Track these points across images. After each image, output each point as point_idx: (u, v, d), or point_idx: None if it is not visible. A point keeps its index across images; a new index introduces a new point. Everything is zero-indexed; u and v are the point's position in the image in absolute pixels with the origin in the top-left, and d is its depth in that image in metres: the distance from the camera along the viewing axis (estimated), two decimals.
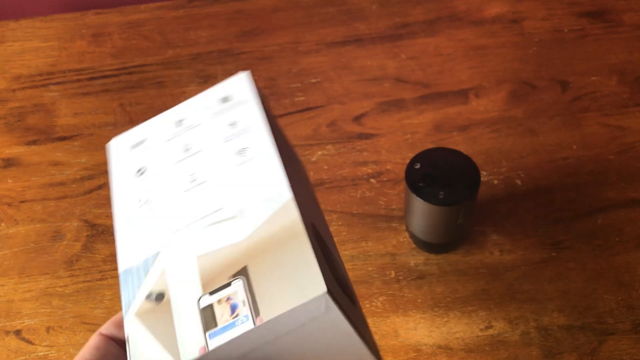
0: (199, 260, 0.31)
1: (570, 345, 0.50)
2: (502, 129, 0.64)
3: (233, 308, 0.29)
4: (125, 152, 0.38)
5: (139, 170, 0.37)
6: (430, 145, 0.64)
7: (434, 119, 0.66)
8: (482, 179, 0.60)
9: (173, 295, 0.31)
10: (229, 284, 0.30)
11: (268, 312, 0.28)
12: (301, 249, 0.30)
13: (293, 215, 0.31)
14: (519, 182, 0.60)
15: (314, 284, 0.28)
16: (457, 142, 0.63)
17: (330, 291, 0.28)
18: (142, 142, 0.38)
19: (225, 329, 0.28)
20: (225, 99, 0.39)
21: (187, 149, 0.37)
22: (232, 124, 0.37)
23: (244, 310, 0.29)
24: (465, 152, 0.62)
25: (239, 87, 0.39)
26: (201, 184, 0.35)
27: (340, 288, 0.33)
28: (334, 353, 0.33)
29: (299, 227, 0.30)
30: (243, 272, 0.30)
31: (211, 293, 0.30)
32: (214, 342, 0.28)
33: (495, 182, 0.60)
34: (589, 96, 0.66)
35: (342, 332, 0.31)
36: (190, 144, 0.37)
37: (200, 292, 0.30)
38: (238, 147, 0.36)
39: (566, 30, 0.72)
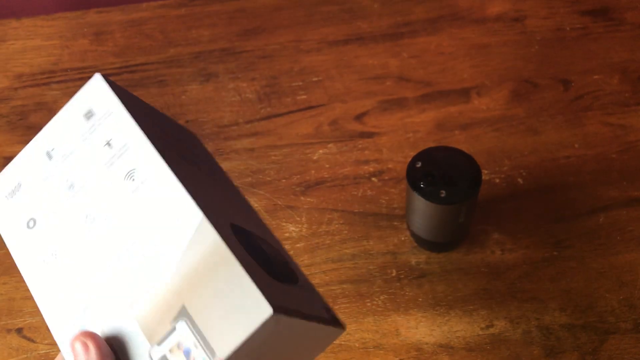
0: (133, 311, 0.29)
1: (571, 345, 0.50)
2: (503, 128, 0.64)
3: (187, 353, 0.28)
4: (4, 202, 0.35)
5: (28, 222, 0.34)
6: (432, 144, 0.64)
7: (436, 117, 0.66)
8: (483, 177, 0.60)
9: (121, 354, 0.29)
10: (173, 329, 0.28)
11: (223, 349, 0.27)
12: (233, 273, 0.28)
13: (212, 237, 0.29)
14: (520, 180, 0.60)
15: (259, 307, 0.27)
16: (459, 141, 0.63)
17: (277, 307, 0.27)
18: (18, 187, 0.35)
19: None
20: (88, 115, 0.35)
21: (70, 185, 0.33)
22: (108, 144, 0.33)
23: (199, 353, 0.27)
24: (467, 151, 0.62)
25: (98, 95, 0.35)
26: (100, 224, 0.32)
27: (279, 279, 0.31)
28: (299, 342, 0.32)
29: (223, 249, 0.28)
30: (183, 313, 0.28)
31: (159, 343, 0.28)
32: None
33: (497, 180, 0.60)
34: (591, 95, 0.66)
35: (298, 328, 0.30)
36: (72, 179, 0.33)
37: (147, 345, 0.29)
38: (124, 170, 0.32)
39: (568, 29, 0.72)
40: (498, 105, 0.66)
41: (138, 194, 0.31)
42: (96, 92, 0.35)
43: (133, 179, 0.32)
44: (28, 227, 0.34)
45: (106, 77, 0.35)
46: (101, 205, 0.32)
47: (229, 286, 0.28)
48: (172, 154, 0.33)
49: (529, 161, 0.61)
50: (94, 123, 0.34)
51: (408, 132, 0.65)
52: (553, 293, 0.53)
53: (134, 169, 0.32)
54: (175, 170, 0.31)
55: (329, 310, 0.35)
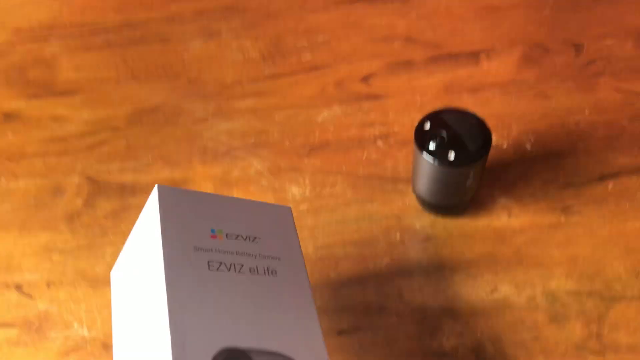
0: None
1: (576, 311, 0.49)
2: (513, 92, 0.63)
3: None
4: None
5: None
6: (439, 107, 0.62)
7: (444, 80, 0.64)
8: (492, 143, 0.59)
9: None
10: None
11: None
12: None
13: None
14: (529, 146, 0.59)
15: None
16: (467, 105, 0.62)
17: None
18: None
19: None
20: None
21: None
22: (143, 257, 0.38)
23: None
24: None
25: (151, 208, 0.38)
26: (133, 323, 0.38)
27: None
28: None
29: None
30: None
31: None
32: None
33: (505, 146, 0.59)
34: (604, 60, 0.64)
35: None
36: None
37: None
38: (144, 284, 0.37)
39: None
40: (508, 69, 0.64)
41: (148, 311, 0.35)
42: (151, 204, 0.38)
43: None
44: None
45: (169, 188, 0.39)
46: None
47: None
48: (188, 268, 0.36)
49: (538, 126, 0.60)
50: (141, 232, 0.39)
51: (415, 95, 0.63)
52: (559, 259, 0.52)
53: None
54: (174, 291, 0.34)
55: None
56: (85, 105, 0.65)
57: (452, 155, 0.47)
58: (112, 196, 0.58)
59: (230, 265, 0.37)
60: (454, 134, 0.48)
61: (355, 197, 0.57)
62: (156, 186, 0.38)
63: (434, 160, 0.47)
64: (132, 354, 0.36)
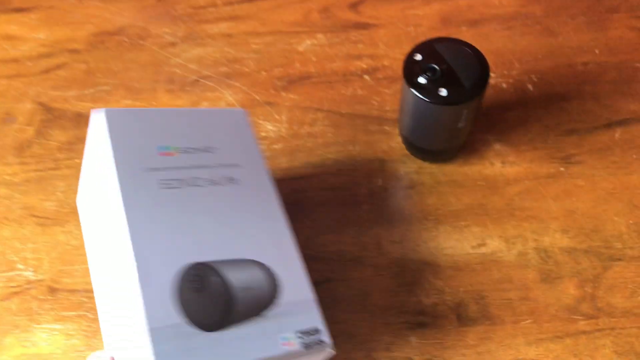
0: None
1: (571, 270, 0.45)
2: (517, 27, 0.56)
3: None
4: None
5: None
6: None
7: (442, 10, 0.58)
8: (490, 81, 0.53)
9: None
10: None
11: None
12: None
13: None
14: (530, 87, 0.53)
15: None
16: (466, 39, 0.56)
17: None
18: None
19: None
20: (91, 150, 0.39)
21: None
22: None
23: None
24: None
25: (98, 133, 0.37)
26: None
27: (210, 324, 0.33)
28: None
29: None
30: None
31: None
32: None
33: (504, 85, 0.53)
34: None
35: None
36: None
37: None
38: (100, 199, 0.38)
39: None
40: (513, 0, 0.58)
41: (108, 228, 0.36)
42: (98, 129, 0.37)
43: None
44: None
45: (117, 111, 0.38)
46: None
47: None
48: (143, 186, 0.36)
49: (542, 66, 0.54)
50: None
51: (409, 26, 0.57)
52: (556, 213, 0.47)
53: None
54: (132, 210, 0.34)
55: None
56: (42, 24, 0.58)
57: (443, 92, 0.42)
58: (68, 126, 0.53)
59: (186, 180, 0.36)
60: (447, 67, 0.42)
61: (335, 137, 0.51)
62: (104, 110, 0.37)
63: (423, 96, 0.42)
64: (106, 280, 0.37)
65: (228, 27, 0.57)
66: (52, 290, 0.45)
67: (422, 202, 0.48)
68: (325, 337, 0.34)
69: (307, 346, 0.33)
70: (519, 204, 0.48)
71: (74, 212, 0.49)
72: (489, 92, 0.53)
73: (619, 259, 0.45)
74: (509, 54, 0.55)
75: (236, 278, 0.34)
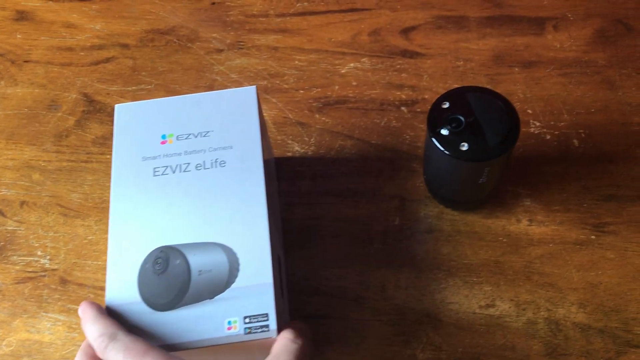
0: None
1: (581, 349, 0.42)
2: (574, 74, 0.53)
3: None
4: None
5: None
6: (483, 79, 0.53)
7: (497, 47, 0.55)
8: (533, 130, 0.51)
9: None
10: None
11: None
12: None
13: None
14: (576, 142, 0.50)
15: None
16: (517, 81, 0.53)
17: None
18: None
19: None
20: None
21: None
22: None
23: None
24: (521, 94, 0.52)
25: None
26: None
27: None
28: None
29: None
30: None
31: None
32: None
33: (549, 137, 0.50)
34: None
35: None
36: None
37: None
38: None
39: None
40: (576, 45, 0.54)
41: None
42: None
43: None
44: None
45: (126, 105, 0.42)
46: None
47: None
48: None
49: (594, 120, 0.51)
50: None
51: (459, 60, 0.55)
52: (576, 284, 0.44)
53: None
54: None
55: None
56: (100, 15, 0.60)
57: (465, 146, 0.40)
58: (105, 120, 0.54)
59: (176, 166, 0.39)
60: (474, 120, 0.40)
61: (360, 167, 0.50)
62: (115, 106, 0.42)
63: (443, 147, 0.40)
64: None
65: (275, 40, 0.57)
66: (63, 282, 0.47)
67: (436, 249, 0.47)
68: (273, 322, 0.34)
69: (249, 331, 0.33)
70: (539, 268, 0.45)
71: (96, 207, 0.50)
72: (530, 142, 0.50)
73: (637, 346, 0.42)
74: (560, 102, 0.52)
75: (196, 260, 0.35)
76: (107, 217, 0.49)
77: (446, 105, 0.41)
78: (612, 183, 0.48)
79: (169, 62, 0.57)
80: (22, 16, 0.61)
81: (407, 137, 0.51)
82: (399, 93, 0.53)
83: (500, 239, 0.47)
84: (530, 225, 0.47)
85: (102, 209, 0.50)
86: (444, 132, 0.40)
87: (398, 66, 0.55)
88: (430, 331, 0.44)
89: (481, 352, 0.43)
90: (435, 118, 0.41)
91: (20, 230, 0.50)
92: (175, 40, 0.58)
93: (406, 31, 0.57)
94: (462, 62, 0.54)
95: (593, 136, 0.50)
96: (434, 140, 0.40)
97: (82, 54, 0.58)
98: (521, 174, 0.49)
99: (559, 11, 0.56)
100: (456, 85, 0.53)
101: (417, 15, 0.57)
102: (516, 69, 0.54)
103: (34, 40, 0.59)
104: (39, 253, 0.49)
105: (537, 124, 0.51)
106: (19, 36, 0.59)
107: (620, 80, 0.52)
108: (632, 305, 0.44)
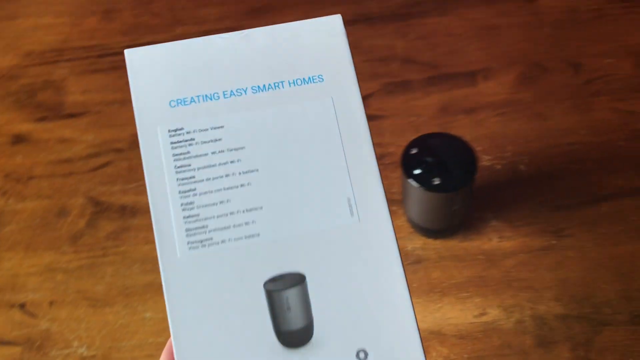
0: None
1: (564, 335, 0.50)
2: (509, 113, 0.63)
3: None
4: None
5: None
6: (435, 128, 0.63)
7: (441, 101, 0.65)
8: (485, 163, 0.60)
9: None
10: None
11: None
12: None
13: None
14: (522, 167, 0.59)
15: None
16: (463, 125, 0.62)
17: None
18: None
19: None
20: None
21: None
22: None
23: None
24: (469, 136, 0.61)
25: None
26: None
27: None
28: None
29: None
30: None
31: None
32: None
33: (499, 167, 0.59)
34: (602, 79, 0.64)
35: None
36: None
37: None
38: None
39: (583, 10, 0.70)
40: (505, 89, 0.65)
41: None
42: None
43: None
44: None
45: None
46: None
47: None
48: None
49: (533, 147, 0.60)
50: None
51: (412, 116, 0.64)
52: (549, 283, 0.52)
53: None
54: None
55: None
56: (91, 127, 0.67)
57: (437, 181, 0.48)
58: (114, 217, 0.60)
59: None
60: (440, 159, 0.49)
61: None
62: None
63: (419, 185, 0.48)
64: None
65: None
66: None
67: (428, 275, 0.54)
68: None
69: None
70: (516, 275, 0.53)
71: (121, 293, 0.55)
72: (485, 173, 0.59)
73: (609, 324, 0.50)
74: (502, 137, 0.61)
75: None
76: (132, 302, 0.55)
77: (414, 151, 0.50)
78: (559, 195, 0.57)
79: None
80: (19, 139, 0.67)
81: (383, 185, 0.59)
82: None
83: (479, 257, 0.54)
84: (500, 241, 0.55)
85: (126, 294, 0.55)
86: (417, 172, 0.49)
87: None
88: (437, 345, 0.50)
89: (483, 354, 0.49)
90: (408, 162, 0.49)
91: (53, 327, 0.54)
92: None
93: (364, 99, 0.66)
94: (414, 117, 0.64)
95: (535, 160, 0.60)
96: (410, 180, 0.48)
97: (80, 163, 0.64)
98: (484, 201, 0.57)
99: (485, 64, 0.67)
100: (414, 137, 0.62)
101: (370, 85, 0.67)
102: (460, 116, 0.63)
103: (34, 159, 0.65)
104: (75, 344, 0.53)
105: (488, 157, 0.60)
106: (19, 157, 0.65)
107: (546, 111, 0.63)
108: (597, 291, 0.52)
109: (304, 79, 0.31)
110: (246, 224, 0.29)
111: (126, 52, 0.32)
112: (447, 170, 0.48)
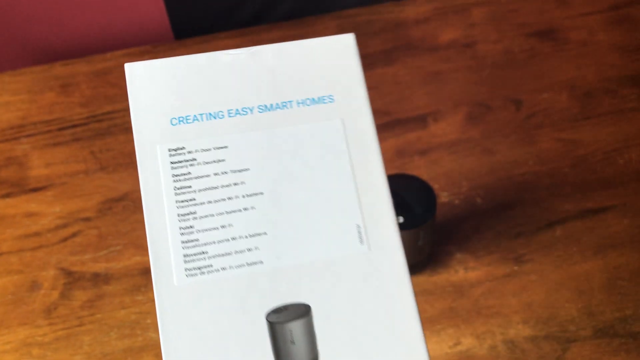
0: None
1: (535, 355, 0.52)
2: (460, 151, 0.67)
3: None
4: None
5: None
6: (393, 170, 0.66)
7: (396, 145, 0.68)
8: (443, 199, 0.63)
9: None
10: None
11: None
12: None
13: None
14: (479, 200, 0.62)
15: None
16: (419, 166, 0.66)
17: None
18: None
19: None
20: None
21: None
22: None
23: None
24: (426, 175, 0.65)
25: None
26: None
27: None
28: None
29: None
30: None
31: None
32: None
33: (457, 202, 0.63)
34: (542, 113, 0.69)
35: None
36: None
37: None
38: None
39: (517, 51, 0.75)
40: (454, 129, 0.69)
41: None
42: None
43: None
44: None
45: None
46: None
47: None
48: None
49: (486, 181, 0.64)
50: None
51: None
52: (516, 307, 0.55)
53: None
54: None
55: None
56: (57, 200, 0.68)
57: (400, 219, 0.51)
58: (87, 286, 0.60)
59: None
60: (401, 199, 0.52)
61: None
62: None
63: None
64: None
65: None
66: None
67: None
68: None
69: None
70: (484, 303, 0.55)
71: None
72: (444, 209, 0.62)
73: (575, 340, 0.52)
74: (457, 174, 0.65)
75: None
76: None
77: None
78: (516, 223, 0.60)
79: (130, 223, 0.65)
80: None
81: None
82: None
83: (447, 289, 0.57)
84: (466, 272, 0.58)
85: None
86: None
87: None
88: None
89: None
90: None
91: None
92: (130, 203, 0.66)
93: None
94: None
95: (490, 192, 0.63)
96: None
97: (49, 235, 0.65)
98: (447, 235, 0.60)
99: (433, 107, 0.71)
100: None
101: None
102: (416, 157, 0.67)
103: (1, 235, 0.65)
104: None
105: (446, 193, 0.63)
106: None
107: (495, 146, 0.67)
108: (561, 310, 0.54)
109: (313, 98, 0.30)
110: (249, 250, 0.27)
111: (126, 66, 0.31)
112: (409, 208, 0.51)
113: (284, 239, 0.28)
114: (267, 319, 0.27)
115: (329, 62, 0.31)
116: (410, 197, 0.52)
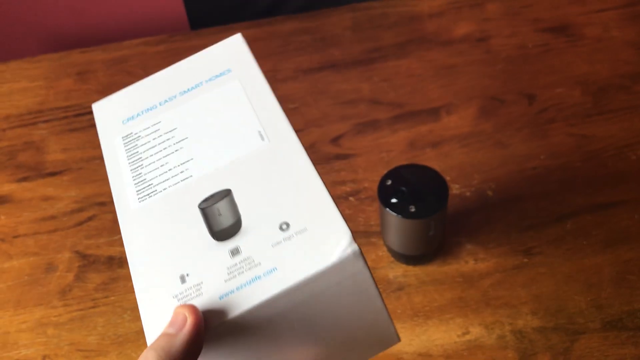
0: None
1: (543, 346, 0.52)
2: (472, 144, 0.67)
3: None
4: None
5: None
6: (405, 162, 0.66)
7: (408, 137, 0.69)
8: (455, 192, 0.63)
9: None
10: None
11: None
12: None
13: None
14: (490, 193, 0.63)
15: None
16: (430, 158, 0.66)
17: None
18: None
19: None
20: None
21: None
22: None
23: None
24: (437, 167, 0.65)
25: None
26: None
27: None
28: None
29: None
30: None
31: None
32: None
33: (468, 194, 0.63)
34: (555, 107, 0.69)
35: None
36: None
37: None
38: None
39: (531, 46, 0.75)
40: (466, 122, 0.69)
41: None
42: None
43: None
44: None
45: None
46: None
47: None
48: None
49: (498, 174, 0.64)
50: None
51: (382, 152, 0.68)
52: (525, 298, 0.55)
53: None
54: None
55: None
56: (73, 184, 0.69)
57: (412, 208, 0.51)
58: (101, 269, 0.61)
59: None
60: (413, 188, 0.52)
61: None
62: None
63: (396, 213, 0.51)
64: None
65: None
66: None
67: (411, 301, 0.56)
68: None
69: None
70: (493, 294, 0.56)
71: (113, 343, 0.56)
72: (455, 201, 0.63)
73: (583, 332, 0.53)
74: (469, 167, 0.65)
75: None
76: (126, 349, 0.56)
77: (389, 182, 0.53)
78: (526, 216, 0.61)
79: None
80: (1, 200, 0.68)
81: (361, 219, 0.62)
82: (344, 187, 0.65)
83: (457, 279, 0.57)
84: (476, 263, 0.58)
85: (119, 343, 0.56)
86: (394, 201, 0.52)
87: (336, 167, 0.67)
88: None
89: None
90: (384, 193, 0.52)
91: None
92: None
93: (335, 140, 0.69)
94: (385, 154, 0.67)
95: (501, 185, 0.63)
96: (388, 209, 0.52)
97: (65, 219, 0.66)
98: (458, 227, 0.61)
99: (446, 100, 0.71)
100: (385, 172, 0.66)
101: (340, 127, 0.70)
102: (427, 150, 0.67)
103: (17, 218, 0.66)
104: None
105: (457, 186, 0.64)
106: (3, 217, 0.67)
107: (507, 139, 0.67)
108: (570, 303, 0.55)
109: (216, 75, 0.41)
110: (181, 172, 0.37)
111: (93, 106, 0.43)
112: (422, 198, 0.52)
113: (206, 158, 0.37)
114: (199, 207, 0.35)
115: (225, 51, 0.42)
116: (422, 187, 0.52)
